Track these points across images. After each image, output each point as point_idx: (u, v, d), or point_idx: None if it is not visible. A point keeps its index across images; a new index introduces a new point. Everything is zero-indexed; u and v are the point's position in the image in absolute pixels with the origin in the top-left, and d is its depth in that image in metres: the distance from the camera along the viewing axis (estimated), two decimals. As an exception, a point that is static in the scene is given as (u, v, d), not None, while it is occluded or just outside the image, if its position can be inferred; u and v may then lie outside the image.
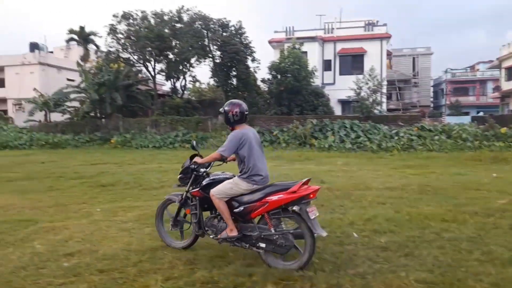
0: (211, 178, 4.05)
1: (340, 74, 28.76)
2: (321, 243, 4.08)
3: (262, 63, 24.06)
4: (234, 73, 24.20)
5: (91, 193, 7.80)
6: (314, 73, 22.83)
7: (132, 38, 23.36)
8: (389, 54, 34.26)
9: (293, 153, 16.10)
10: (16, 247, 4.49)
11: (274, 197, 3.56)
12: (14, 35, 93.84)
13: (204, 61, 24.88)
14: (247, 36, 23.95)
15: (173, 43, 24.49)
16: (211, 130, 23.40)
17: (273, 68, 22.42)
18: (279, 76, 22.01)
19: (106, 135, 23.60)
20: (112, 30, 23.63)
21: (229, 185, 3.77)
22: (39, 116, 27.24)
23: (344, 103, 27.15)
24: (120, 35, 23.86)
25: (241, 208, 3.74)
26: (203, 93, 37.61)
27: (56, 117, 28.15)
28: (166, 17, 23.86)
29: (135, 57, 25.33)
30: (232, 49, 21.77)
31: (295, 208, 3.55)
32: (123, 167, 12.20)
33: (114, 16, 23.73)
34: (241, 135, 3.78)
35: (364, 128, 19.00)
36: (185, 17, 23.38)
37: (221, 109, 4.02)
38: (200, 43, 22.48)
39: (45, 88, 36.37)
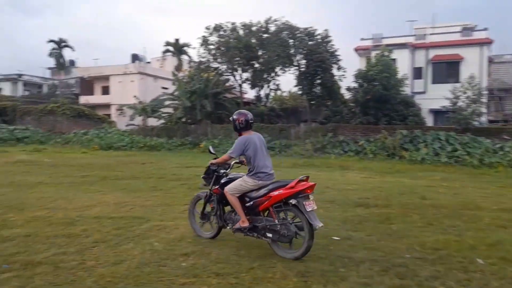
0: (228, 177, 4.74)
1: (433, 82, 26.90)
2: (442, 267, 3.78)
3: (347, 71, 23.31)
4: (319, 81, 24.03)
5: (191, 195, 8.16)
6: (404, 82, 21.68)
7: (222, 48, 24.53)
8: (490, 60, 31.07)
9: (382, 165, 15.37)
10: (136, 243, 4.84)
11: (276, 192, 4.17)
12: (120, 47, 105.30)
13: (289, 70, 25.13)
14: (333, 45, 23.70)
15: (260, 53, 25.18)
16: (293, 138, 23.48)
17: (360, 76, 21.77)
18: (365, 85, 21.30)
19: (195, 139, 25.05)
20: (204, 42, 25.10)
21: (239, 182, 4.46)
22: (138, 120, 29.95)
23: (436, 113, 25.23)
24: (211, 46, 25.20)
25: (251, 202, 4.38)
26: (284, 101, 38.00)
27: (152, 122, 30.75)
28: (254, 28, 24.66)
29: (224, 66, 26.55)
30: (318, 57, 21.67)
31: (293, 201, 4.09)
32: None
33: (206, 28, 25.22)
34: (245, 140, 4.50)
35: (462, 141, 17.41)
36: (272, 27, 23.91)
37: (230, 118, 4.81)
38: (286, 52, 22.76)
39: (143, 95, 39.92)
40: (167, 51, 34.43)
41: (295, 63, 24.06)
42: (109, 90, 42.81)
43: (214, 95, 26.55)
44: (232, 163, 4.94)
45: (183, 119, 27.62)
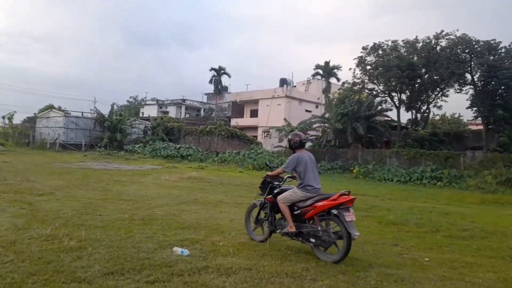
0: (281, 188, 5.31)
1: None
2: None
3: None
4: (501, 101, 20.15)
5: (390, 233, 6.90)
6: None
7: (380, 68, 22.94)
8: None
9: None
10: None
11: (320, 203, 4.73)
12: (263, 73, 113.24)
13: (460, 89, 21.86)
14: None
15: (423, 71, 22.70)
16: (463, 168, 20.07)
17: None
18: None
19: (345, 164, 23.83)
20: (361, 62, 23.92)
21: (290, 193, 5.04)
22: (285, 142, 30.38)
23: None
24: (368, 67, 23.89)
25: (299, 211, 4.92)
26: (437, 125, 33.75)
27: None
28: (418, 45, 22.43)
29: (380, 87, 24.83)
30: (504, 74, 18.10)
31: (335, 211, 4.60)
32: (391, 202, 11.24)
33: (363, 48, 24.05)
34: (297, 157, 5.11)
35: None
36: (443, 43, 21.24)
37: (287, 137, 5.67)
38: (461, 69, 19.80)
39: (288, 118, 40.92)
40: (316, 74, 34.36)
41: (470, 82, 20.75)
42: (257, 113, 45.25)
43: (367, 118, 24.98)
44: (285, 177, 5.52)
45: (332, 142, 26.75)
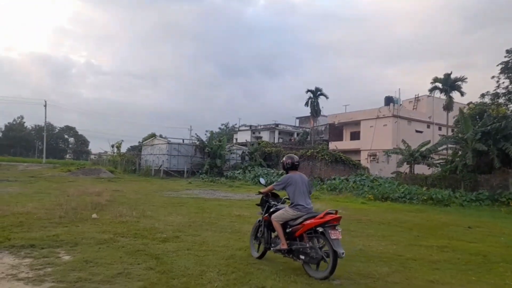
0: (276, 207, 5.55)
1: None
2: None
3: None
4: None
5: None
6: None
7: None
8: None
9: None
10: None
11: (308, 222, 4.94)
12: (372, 91, 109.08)
13: None
14: None
15: None
16: None
17: None
18: None
19: (492, 193, 19.09)
20: (507, 68, 19.36)
21: (282, 211, 5.30)
22: (391, 168, 26.26)
23: None
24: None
25: (290, 229, 5.17)
26: None
27: (418, 169, 26.50)
28: None
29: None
30: None
31: (320, 229, 4.78)
32: None
33: (507, 52, 19.52)
34: (288, 178, 5.44)
35: None
36: None
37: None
38: None
39: (396, 139, 36.40)
40: (434, 88, 29.81)
41: None
42: (358, 135, 41.49)
43: (517, 136, 20.01)
44: (283, 198, 5.77)
45: (469, 168, 22.02)
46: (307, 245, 4.90)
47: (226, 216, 10.38)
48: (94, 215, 8.81)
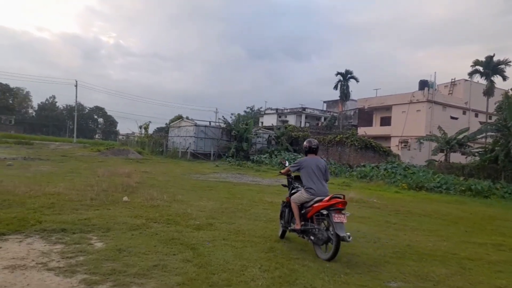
0: (297, 189, 5.69)
1: None
2: None
3: None
4: None
5: None
6: None
7: None
8: None
9: None
10: None
11: (316, 204, 5.13)
12: (401, 74, 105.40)
13: None
14: None
15: None
16: None
17: None
18: None
19: (538, 187, 17.86)
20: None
21: (298, 194, 5.49)
22: (423, 155, 25.04)
23: None
24: None
25: (304, 210, 5.38)
26: None
27: (453, 158, 25.25)
28: None
29: None
30: None
31: (324, 211, 5.00)
32: None
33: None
34: (303, 161, 5.61)
35: None
36: None
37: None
38: None
39: (429, 126, 34.85)
40: (475, 71, 28.05)
41: None
42: (389, 120, 40.05)
43: None
44: None
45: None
46: (315, 226, 5.12)
47: (259, 202, 9.99)
48: (125, 198, 8.60)
